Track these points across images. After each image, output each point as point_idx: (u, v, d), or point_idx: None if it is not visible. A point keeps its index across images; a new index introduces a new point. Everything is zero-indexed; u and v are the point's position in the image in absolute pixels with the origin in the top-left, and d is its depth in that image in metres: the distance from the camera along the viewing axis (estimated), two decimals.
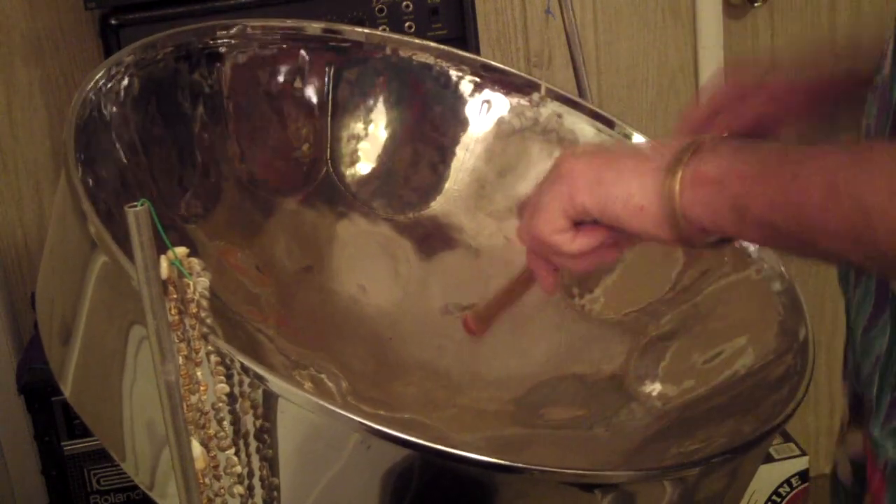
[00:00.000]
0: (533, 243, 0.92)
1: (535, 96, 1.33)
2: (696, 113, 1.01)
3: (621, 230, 0.86)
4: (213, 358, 0.84)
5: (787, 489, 2.18)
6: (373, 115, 1.32)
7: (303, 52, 1.29)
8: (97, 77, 1.10)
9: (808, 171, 0.76)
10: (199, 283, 0.82)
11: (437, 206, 1.31)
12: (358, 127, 1.31)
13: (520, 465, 0.86)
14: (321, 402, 0.84)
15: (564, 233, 0.88)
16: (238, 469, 0.87)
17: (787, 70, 1.02)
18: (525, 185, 1.31)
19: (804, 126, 1.00)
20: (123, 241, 0.86)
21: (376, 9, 1.73)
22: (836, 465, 1.01)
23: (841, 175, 0.74)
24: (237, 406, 0.86)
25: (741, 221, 0.79)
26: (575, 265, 0.92)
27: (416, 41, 1.34)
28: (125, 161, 1.13)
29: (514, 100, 1.33)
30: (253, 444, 0.87)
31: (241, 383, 0.85)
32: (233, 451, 0.86)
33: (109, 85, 1.12)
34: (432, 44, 1.34)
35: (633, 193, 0.83)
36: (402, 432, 0.84)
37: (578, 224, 0.88)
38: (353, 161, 1.31)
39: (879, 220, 0.71)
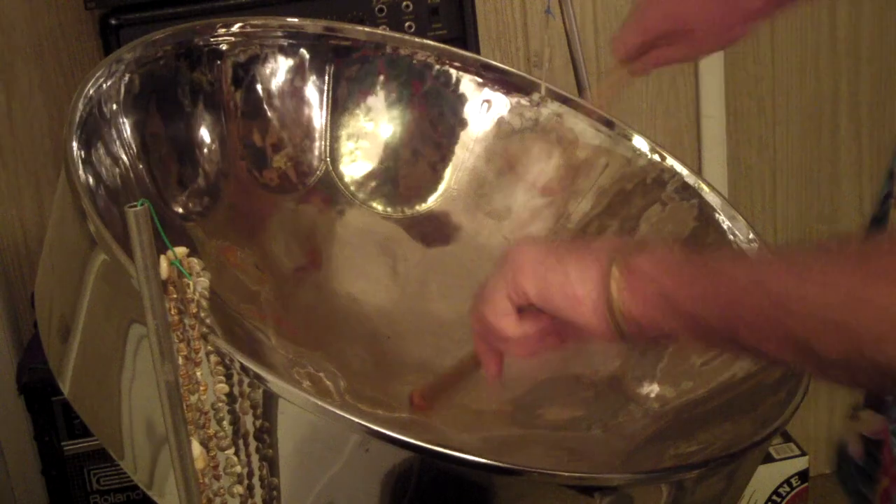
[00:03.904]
0: (479, 327, 0.96)
1: (535, 96, 1.33)
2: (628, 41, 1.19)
3: (561, 319, 0.89)
4: (213, 358, 0.84)
5: (787, 489, 2.18)
6: (373, 115, 1.32)
7: (303, 50, 1.29)
8: (97, 75, 1.10)
9: (733, 268, 0.82)
10: (199, 283, 0.82)
11: (437, 205, 1.31)
12: (357, 126, 1.31)
13: (519, 467, 0.86)
14: (321, 403, 0.84)
15: (508, 316, 0.91)
16: (238, 469, 0.87)
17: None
18: (524, 185, 1.31)
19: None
20: (123, 239, 0.86)
21: (376, 8, 1.72)
22: (846, 441, 1.02)
23: (764, 272, 0.80)
24: (237, 406, 0.86)
25: (672, 313, 0.83)
26: (518, 351, 0.95)
27: (416, 40, 1.34)
28: (125, 159, 1.13)
29: (514, 100, 1.33)
30: (252, 443, 0.87)
31: (240, 383, 0.85)
32: (232, 450, 0.86)
33: (110, 83, 1.12)
34: (432, 43, 1.34)
35: (572, 282, 0.87)
36: (401, 433, 0.84)
37: (523, 310, 0.91)
38: (353, 160, 1.31)
39: (796, 308, 0.77)
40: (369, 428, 0.83)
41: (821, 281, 0.76)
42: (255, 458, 0.87)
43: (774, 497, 2.18)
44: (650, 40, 1.19)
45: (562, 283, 0.87)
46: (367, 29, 1.34)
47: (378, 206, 1.30)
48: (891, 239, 0.81)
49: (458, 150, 1.33)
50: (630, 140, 1.30)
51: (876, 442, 0.97)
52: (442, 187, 1.32)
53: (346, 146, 1.31)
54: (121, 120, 1.14)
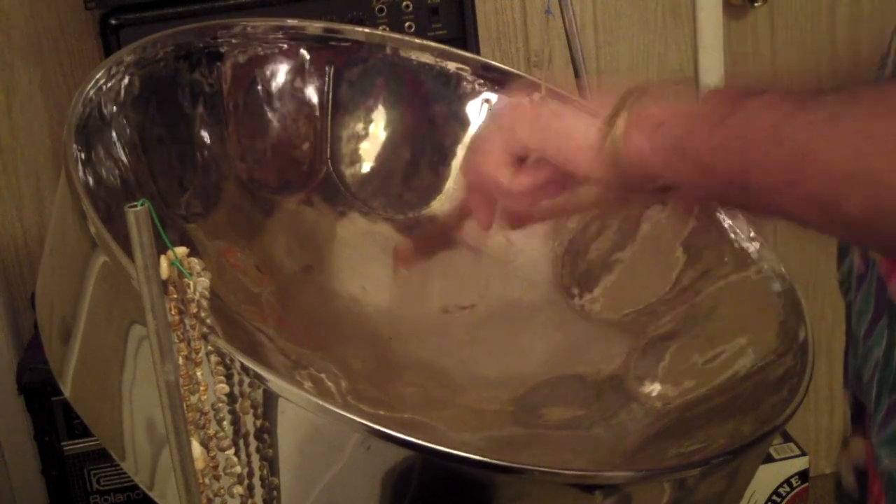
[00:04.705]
0: (474, 178, 0.90)
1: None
2: None
3: (564, 168, 0.84)
4: (213, 358, 0.84)
5: (787, 489, 2.18)
6: (373, 115, 1.32)
7: (303, 51, 1.29)
8: (97, 76, 1.10)
9: (750, 108, 0.75)
10: (199, 283, 0.82)
11: (437, 205, 1.31)
12: (358, 126, 1.31)
13: (520, 465, 0.86)
14: (321, 403, 0.84)
15: (505, 167, 0.86)
16: (238, 469, 0.87)
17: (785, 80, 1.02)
18: None
19: None
20: (123, 241, 0.86)
21: (376, 9, 1.73)
22: (840, 474, 1.01)
23: (783, 115, 0.73)
24: (237, 406, 0.86)
25: (681, 161, 0.78)
26: (517, 203, 0.89)
27: (417, 41, 1.34)
28: (125, 161, 1.13)
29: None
30: (253, 443, 0.87)
31: (240, 383, 0.85)
32: (232, 451, 0.86)
33: (110, 84, 1.12)
34: (432, 43, 1.34)
35: (576, 131, 0.82)
36: (402, 432, 0.84)
37: (521, 161, 0.86)
38: (353, 161, 1.31)
39: (814, 161, 0.71)
40: (370, 427, 0.83)
41: (848, 129, 0.69)
42: (255, 458, 0.87)
43: (774, 497, 2.18)
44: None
45: (564, 132, 0.82)
46: (367, 29, 1.34)
47: (379, 207, 1.30)
48: None
49: (458, 150, 1.33)
50: None
51: (864, 472, 0.96)
52: (443, 188, 1.32)
53: (346, 147, 1.31)
54: (121, 121, 1.14)
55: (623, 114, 0.79)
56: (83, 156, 1.04)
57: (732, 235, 1.22)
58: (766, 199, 0.76)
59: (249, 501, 0.87)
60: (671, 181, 0.81)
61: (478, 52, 1.75)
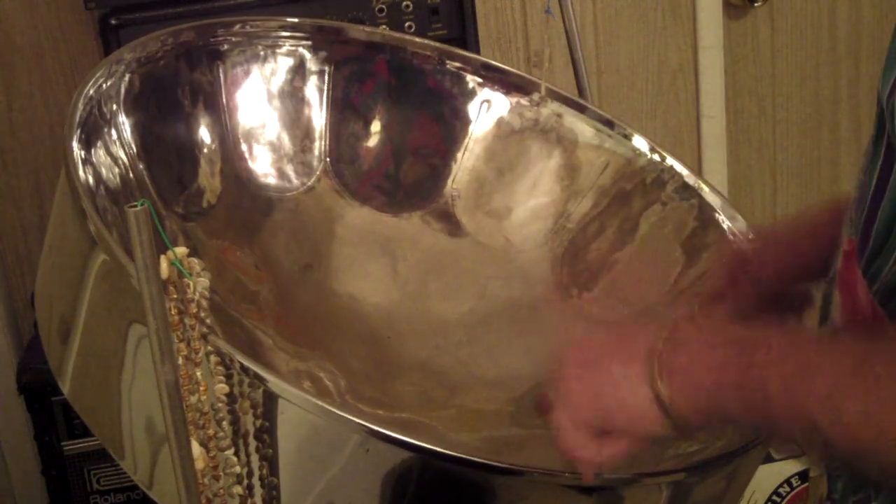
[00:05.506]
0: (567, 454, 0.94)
1: (535, 96, 1.33)
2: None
3: (634, 435, 0.89)
4: (213, 358, 0.84)
5: (787, 489, 2.18)
6: (373, 114, 1.32)
7: (303, 50, 1.29)
8: (97, 75, 1.10)
9: (761, 369, 0.81)
10: (199, 284, 0.82)
11: (437, 205, 1.31)
12: (357, 126, 1.31)
13: (519, 467, 0.86)
14: (321, 404, 0.84)
15: (588, 448, 0.90)
16: (237, 469, 0.87)
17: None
18: (524, 185, 1.31)
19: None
20: (123, 239, 0.86)
21: (376, 8, 1.73)
22: None
23: (787, 372, 0.79)
24: (237, 406, 0.86)
25: (719, 412, 0.84)
26: (609, 466, 0.94)
27: (417, 40, 1.34)
28: (125, 159, 1.13)
29: (514, 100, 1.33)
30: (252, 443, 0.87)
31: (240, 383, 0.85)
32: (232, 451, 0.86)
33: (110, 83, 1.12)
34: (432, 43, 1.34)
35: (630, 398, 0.87)
36: (401, 433, 0.84)
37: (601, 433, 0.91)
38: (353, 159, 1.31)
39: (827, 425, 0.77)
40: (369, 428, 0.83)
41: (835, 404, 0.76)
42: (254, 458, 0.87)
43: (774, 497, 2.18)
44: None
45: (619, 406, 0.87)
46: (367, 29, 1.34)
47: (378, 206, 1.30)
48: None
49: (457, 150, 1.33)
50: (630, 140, 1.30)
51: None
52: (442, 187, 1.32)
53: (345, 146, 1.31)
54: (121, 120, 1.14)
55: (657, 375, 0.85)
56: (83, 155, 1.04)
57: (732, 237, 1.22)
58: (787, 440, 0.87)
59: (249, 501, 0.87)
60: (711, 420, 0.88)
61: (478, 52, 1.75)
